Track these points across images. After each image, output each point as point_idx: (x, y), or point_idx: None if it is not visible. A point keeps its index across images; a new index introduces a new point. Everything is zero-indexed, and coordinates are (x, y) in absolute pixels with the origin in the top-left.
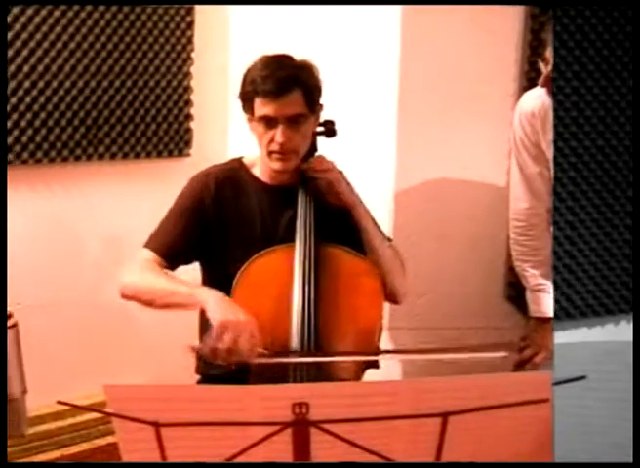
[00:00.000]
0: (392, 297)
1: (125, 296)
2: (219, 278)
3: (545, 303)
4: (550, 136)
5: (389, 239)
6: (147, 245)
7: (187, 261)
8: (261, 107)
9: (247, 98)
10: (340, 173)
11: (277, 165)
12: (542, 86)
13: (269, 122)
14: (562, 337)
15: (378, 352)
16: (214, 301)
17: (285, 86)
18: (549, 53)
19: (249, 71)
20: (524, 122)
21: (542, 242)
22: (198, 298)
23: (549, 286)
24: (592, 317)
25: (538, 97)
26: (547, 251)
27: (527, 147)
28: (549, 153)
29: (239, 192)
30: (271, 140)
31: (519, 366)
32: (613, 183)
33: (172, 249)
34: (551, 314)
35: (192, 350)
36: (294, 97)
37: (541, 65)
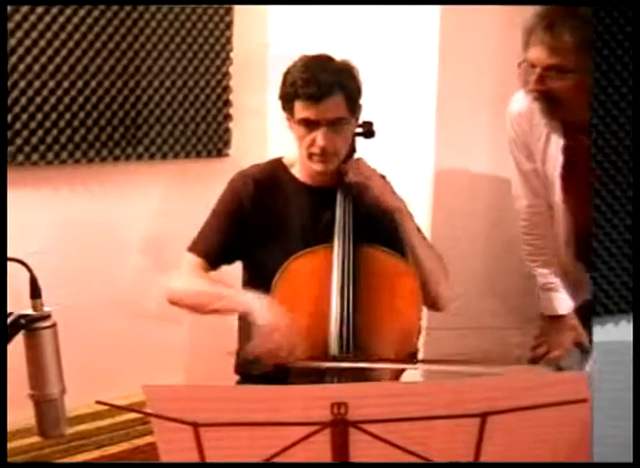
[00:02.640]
0: (435, 303)
1: (171, 302)
2: (259, 276)
3: (557, 301)
4: (539, 134)
5: (430, 244)
6: (191, 249)
7: (230, 261)
8: (302, 111)
9: (287, 100)
10: (383, 177)
11: (318, 167)
12: (531, 91)
13: (310, 125)
14: None
15: (414, 360)
16: (260, 307)
17: (326, 90)
18: (538, 53)
19: (289, 72)
20: (513, 123)
21: (548, 241)
22: (244, 304)
23: (559, 284)
24: (592, 317)
25: (523, 99)
26: (554, 249)
27: (519, 147)
28: (538, 151)
29: (278, 192)
30: (312, 143)
31: (533, 363)
32: (613, 183)
33: (214, 252)
34: (564, 312)
35: (233, 353)
36: (335, 101)
37: (526, 68)
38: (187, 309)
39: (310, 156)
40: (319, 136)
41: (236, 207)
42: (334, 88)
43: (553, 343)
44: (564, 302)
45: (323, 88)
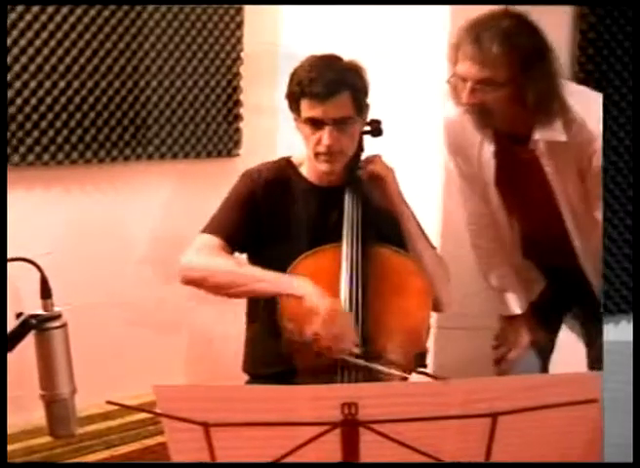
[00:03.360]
0: (435, 305)
1: (190, 281)
2: None
3: (511, 302)
4: (472, 140)
5: (433, 247)
6: (208, 230)
7: (244, 249)
8: (308, 109)
9: (294, 99)
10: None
11: (324, 166)
12: (465, 104)
13: (316, 124)
14: None
15: (423, 362)
16: (314, 291)
17: (333, 88)
18: (468, 68)
19: (296, 71)
20: (448, 129)
21: (497, 243)
22: (293, 288)
23: (512, 284)
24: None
25: (455, 106)
26: (504, 251)
27: (457, 152)
28: (473, 156)
29: (287, 191)
30: (318, 142)
31: (497, 363)
32: (613, 183)
33: (233, 233)
34: (518, 311)
35: (295, 336)
36: (341, 99)
37: (456, 82)
38: (210, 290)
39: (316, 155)
40: (325, 135)
41: (250, 197)
42: (340, 87)
43: (512, 343)
44: (518, 302)
45: (329, 86)
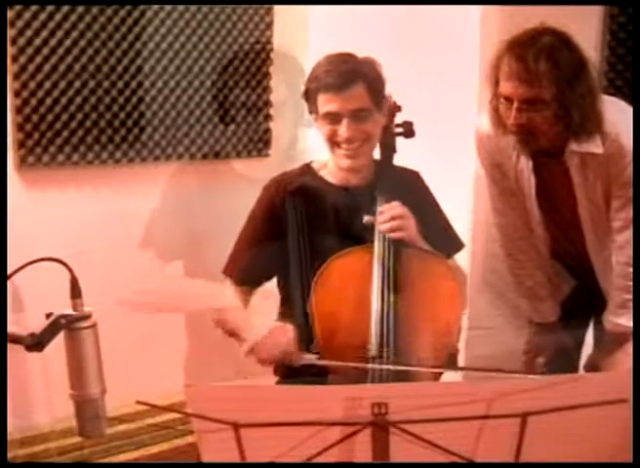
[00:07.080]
0: None
1: (216, 325)
2: (296, 281)
3: (543, 310)
4: (509, 154)
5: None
6: (225, 271)
7: (266, 279)
8: (325, 104)
9: (311, 96)
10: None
11: (345, 162)
12: (513, 126)
13: (334, 118)
14: None
15: (454, 363)
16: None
17: (347, 79)
18: (514, 87)
19: (312, 70)
20: (482, 143)
21: (532, 253)
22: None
23: (544, 292)
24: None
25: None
26: (536, 260)
27: (492, 166)
28: (510, 170)
29: (311, 197)
30: (337, 136)
31: (526, 366)
32: None
33: (247, 274)
34: (550, 320)
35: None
36: (356, 90)
37: (497, 104)
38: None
39: (337, 151)
40: (343, 128)
41: (268, 217)
42: (354, 77)
43: (541, 349)
44: (550, 310)
45: (343, 77)
